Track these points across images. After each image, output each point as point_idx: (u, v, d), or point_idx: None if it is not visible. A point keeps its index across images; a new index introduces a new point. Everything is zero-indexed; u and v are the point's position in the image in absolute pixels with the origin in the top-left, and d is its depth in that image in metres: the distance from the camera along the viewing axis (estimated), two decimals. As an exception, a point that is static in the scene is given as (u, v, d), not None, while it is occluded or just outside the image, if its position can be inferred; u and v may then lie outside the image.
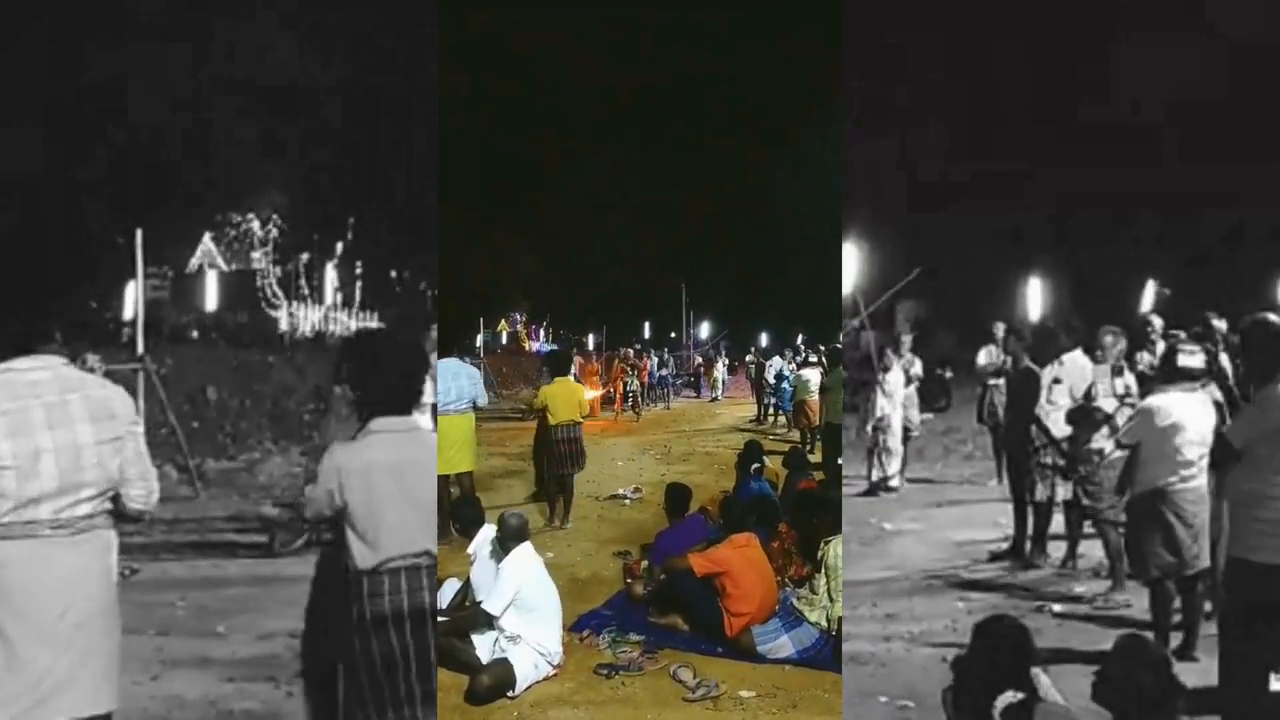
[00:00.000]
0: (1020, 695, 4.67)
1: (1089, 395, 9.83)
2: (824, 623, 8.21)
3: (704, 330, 61.13)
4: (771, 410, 27.90)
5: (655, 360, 36.02)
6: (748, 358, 37.47)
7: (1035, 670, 4.95)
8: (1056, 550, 10.94)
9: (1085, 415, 9.66)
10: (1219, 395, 8.62)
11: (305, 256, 32.64)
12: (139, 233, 13.84)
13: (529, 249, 48.98)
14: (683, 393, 41.73)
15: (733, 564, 8.45)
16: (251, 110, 29.38)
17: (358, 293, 34.20)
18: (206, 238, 31.68)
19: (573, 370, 29.91)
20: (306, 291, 32.72)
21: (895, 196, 28.22)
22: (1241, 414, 6.59)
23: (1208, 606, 8.38)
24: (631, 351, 33.45)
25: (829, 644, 8.04)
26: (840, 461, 14.67)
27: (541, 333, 48.16)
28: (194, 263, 31.46)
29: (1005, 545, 11.30)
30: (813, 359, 23.55)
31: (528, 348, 46.55)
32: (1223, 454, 6.21)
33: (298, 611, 5.08)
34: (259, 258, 32.28)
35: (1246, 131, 24.86)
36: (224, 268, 31.52)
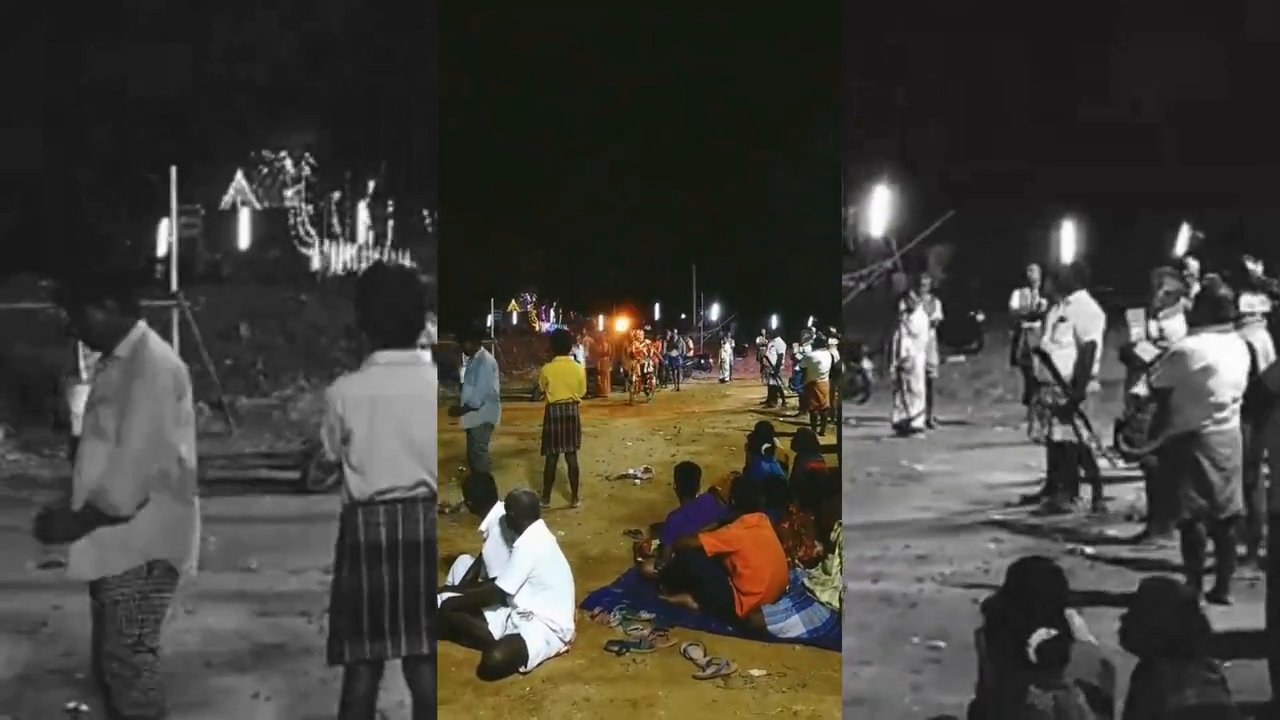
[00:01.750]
0: (1055, 632, 4.66)
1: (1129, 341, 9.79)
2: (835, 603, 8.18)
3: (714, 312, 61.04)
4: (787, 391, 27.88)
5: (666, 342, 36.04)
6: (758, 339, 37.40)
7: (1069, 611, 4.93)
8: (1089, 493, 10.92)
9: (1129, 358, 9.61)
10: (1259, 338, 8.54)
11: (337, 195, 32.64)
12: (173, 170, 13.87)
13: (529, 248, 48.95)
14: (692, 374, 41.72)
15: (744, 544, 8.42)
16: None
17: (389, 231, 34.21)
18: (239, 175, 31.66)
19: (582, 351, 30.10)
20: (339, 230, 32.74)
21: (928, 141, 28.12)
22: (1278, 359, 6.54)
23: (1241, 550, 8.38)
24: (643, 333, 33.43)
25: (839, 624, 8.03)
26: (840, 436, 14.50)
27: (552, 313, 48.11)
28: (227, 200, 31.46)
29: (1037, 488, 11.28)
30: (830, 341, 23.49)
31: (538, 328, 46.52)
32: (1259, 398, 6.15)
33: (328, 548, 5.08)
34: (291, 195, 32.29)
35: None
36: (256, 205, 31.52)
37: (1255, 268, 10.24)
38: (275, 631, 7.72)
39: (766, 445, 12.34)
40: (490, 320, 39.55)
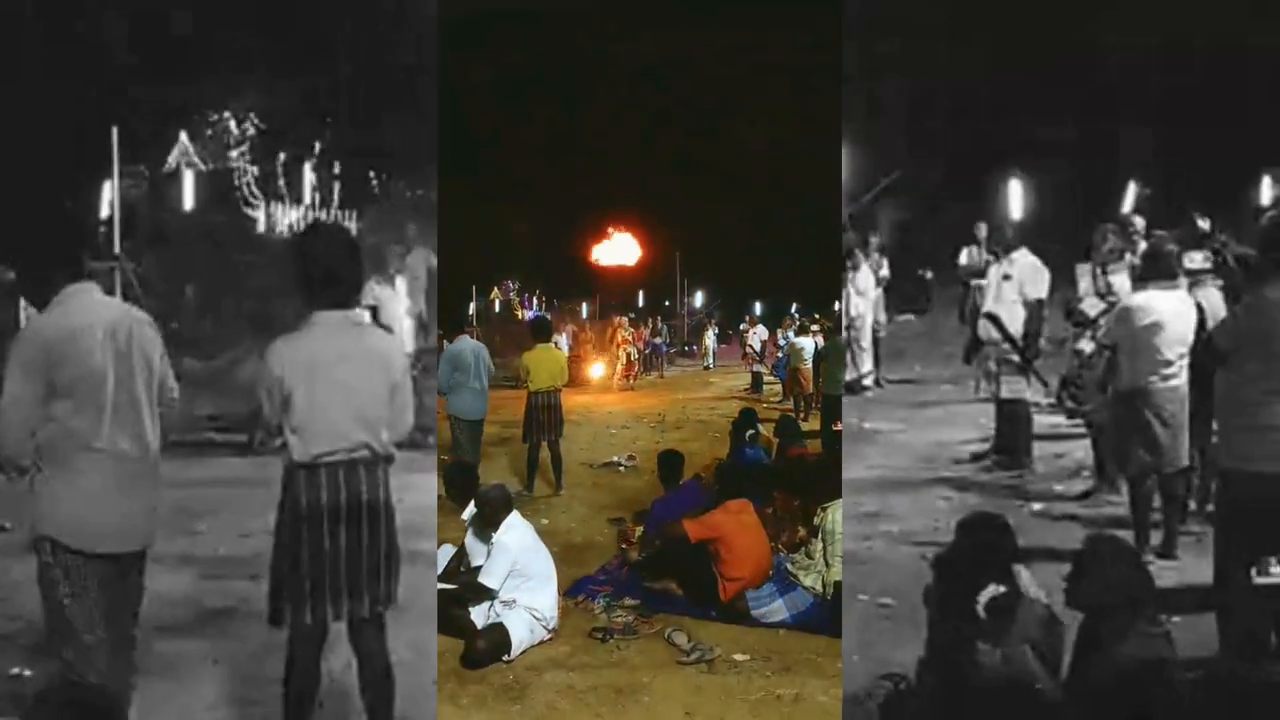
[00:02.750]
0: (1003, 589, 4.69)
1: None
2: (818, 587, 8.22)
3: (698, 299, 60.90)
4: (769, 376, 27.89)
5: (649, 329, 35.96)
6: (741, 326, 37.41)
7: (1017, 567, 4.96)
8: (1039, 450, 10.99)
9: (1074, 315, 9.66)
10: (1210, 297, 8.58)
11: (283, 156, 32.35)
12: (114, 130, 13.69)
13: (518, 218, 48.72)
14: (676, 361, 41.70)
15: (727, 529, 8.43)
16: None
17: (336, 193, 33.96)
18: (183, 136, 31.31)
19: (565, 338, 30.00)
20: (284, 191, 32.47)
21: (891, 109, 28.12)
22: (1230, 316, 6.56)
23: (1190, 506, 8.46)
24: (627, 319, 33.35)
25: (823, 608, 8.06)
26: (837, 428, 14.50)
27: (534, 301, 47.93)
28: (171, 161, 31.12)
29: (986, 445, 11.34)
30: (812, 327, 23.55)
31: (520, 316, 46.36)
32: (1209, 356, 6.18)
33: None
34: (236, 157, 31.97)
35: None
36: (201, 167, 31.21)
37: (1203, 224, 10.31)
38: (224, 595, 7.68)
39: (751, 431, 12.40)
40: (472, 308, 39.34)
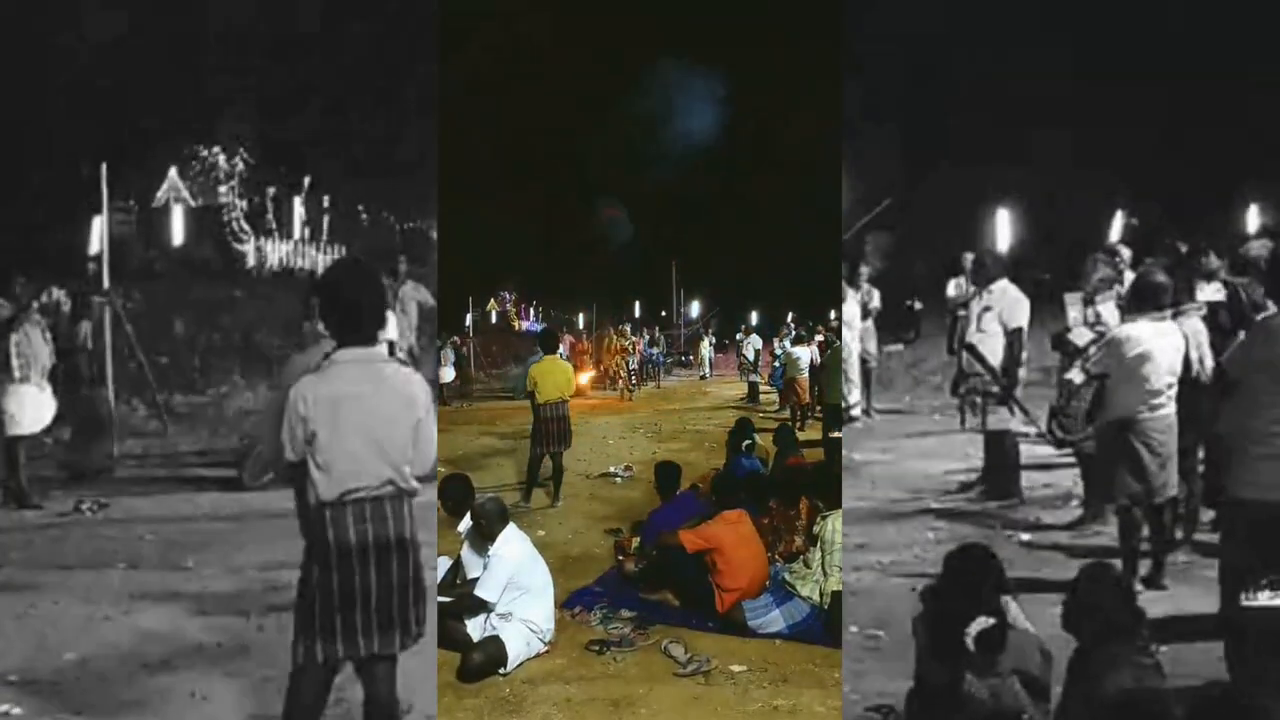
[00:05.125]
0: (992, 621, 4.69)
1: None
2: (815, 597, 8.21)
3: (694, 309, 60.93)
4: (765, 386, 27.87)
5: (646, 339, 35.91)
6: (738, 336, 37.47)
7: (1005, 598, 4.96)
8: (1027, 480, 10.99)
9: (1062, 344, 9.68)
10: (1192, 327, 8.61)
11: (272, 190, 32.34)
12: (103, 166, 13.71)
13: (515, 230, 48.82)
14: (674, 371, 41.67)
15: (723, 540, 8.44)
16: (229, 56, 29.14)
17: (325, 227, 33.96)
18: (172, 171, 31.32)
19: (562, 349, 30.02)
20: (274, 225, 32.45)
21: (896, 159, 28.23)
22: (1239, 344, 6.57)
23: (1177, 534, 8.47)
24: (627, 329, 33.31)
25: (820, 618, 8.05)
26: (835, 435, 14.51)
27: (531, 311, 47.91)
28: (160, 197, 31.14)
29: (974, 476, 11.34)
30: (816, 337, 23.55)
31: (518, 327, 46.31)
32: (1219, 385, 6.17)
33: (266, 545, 5.03)
34: (225, 191, 31.99)
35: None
36: (190, 202, 31.21)
37: (1182, 248, 10.34)
38: (212, 631, 7.64)
39: (747, 442, 12.40)
40: (469, 319, 39.34)
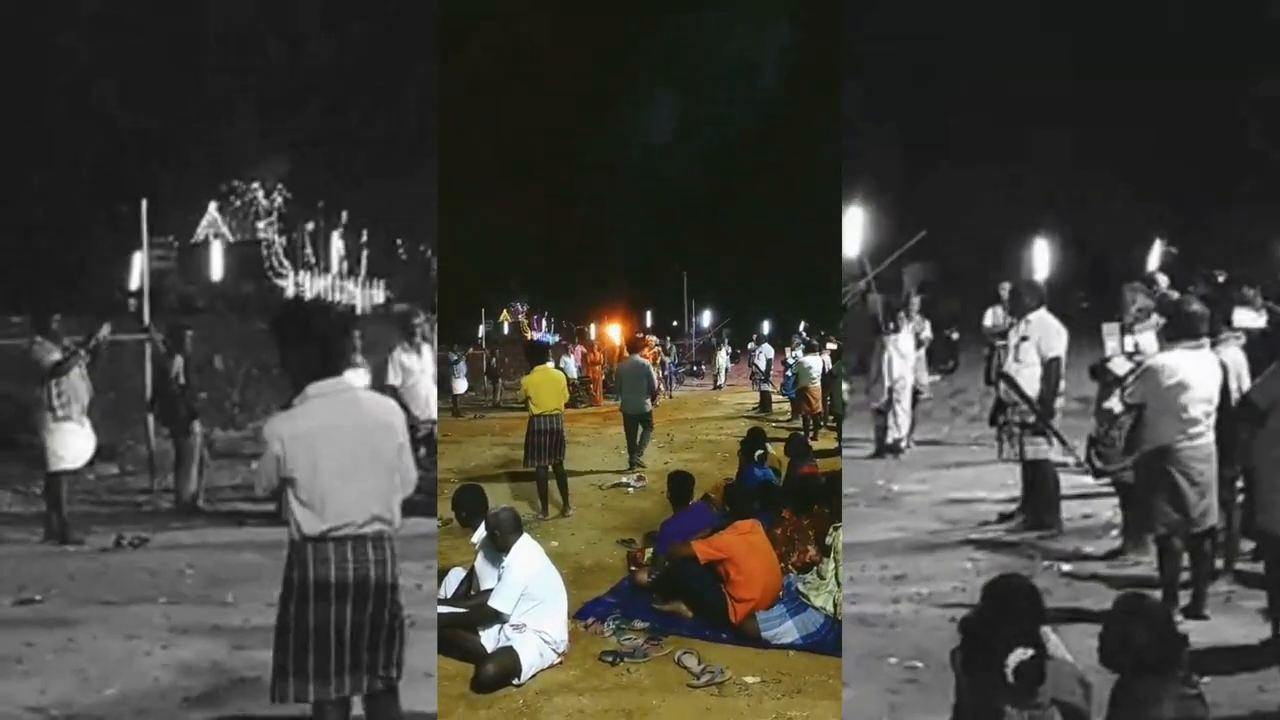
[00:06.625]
0: (1032, 653, 4.66)
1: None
2: (829, 608, 8.18)
3: (706, 319, 60.89)
4: (777, 395, 27.78)
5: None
6: (750, 345, 37.29)
7: (1045, 629, 4.93)
8: (1067, 510, 10.93)
9: (1099, 374, 9.64)
10: (1232, 356, 8.58)
11: (310, 225, 32.55)
12: (144, 203, 13.82)
13: (528, 237, 49.05)
14: (685, 381, 41.57)
15: (736, 550, 8.44)
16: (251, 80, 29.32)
17: (364, 261, 34.14)
18: (212, 207, 31.60)
19: (574, 360, 30.07)
20: (312, 260, 32.65)
21: (897, 161, 28.23)
22: (1268, 373, 6.54)
23: (1218, 564, 8.41)
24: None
25: (834, 629, 8.03)
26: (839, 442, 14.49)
27: (543, 322, 48.04)
28: (200, 233, 31.41)
29: (1013, 506, 11.28)
30: (829, 345, 23.50)
31: (530, 337, 46.62)
32: (1247, 414, 6.14)
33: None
34: (264, 227, 32.23)
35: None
36: (230, 238, 31.46)
37: (1220, 278, 10.30)
38: (252, 665, 7.67)
39: (760, 451, 12.39)
40: (482, 330, 39.49)
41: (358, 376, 5.27)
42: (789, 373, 24.82)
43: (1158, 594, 7.36)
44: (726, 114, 59.81)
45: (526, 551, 7.79)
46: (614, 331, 37.87)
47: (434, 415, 13.55)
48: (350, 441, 4.86)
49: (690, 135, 59.99)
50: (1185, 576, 8.05)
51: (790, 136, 54.22)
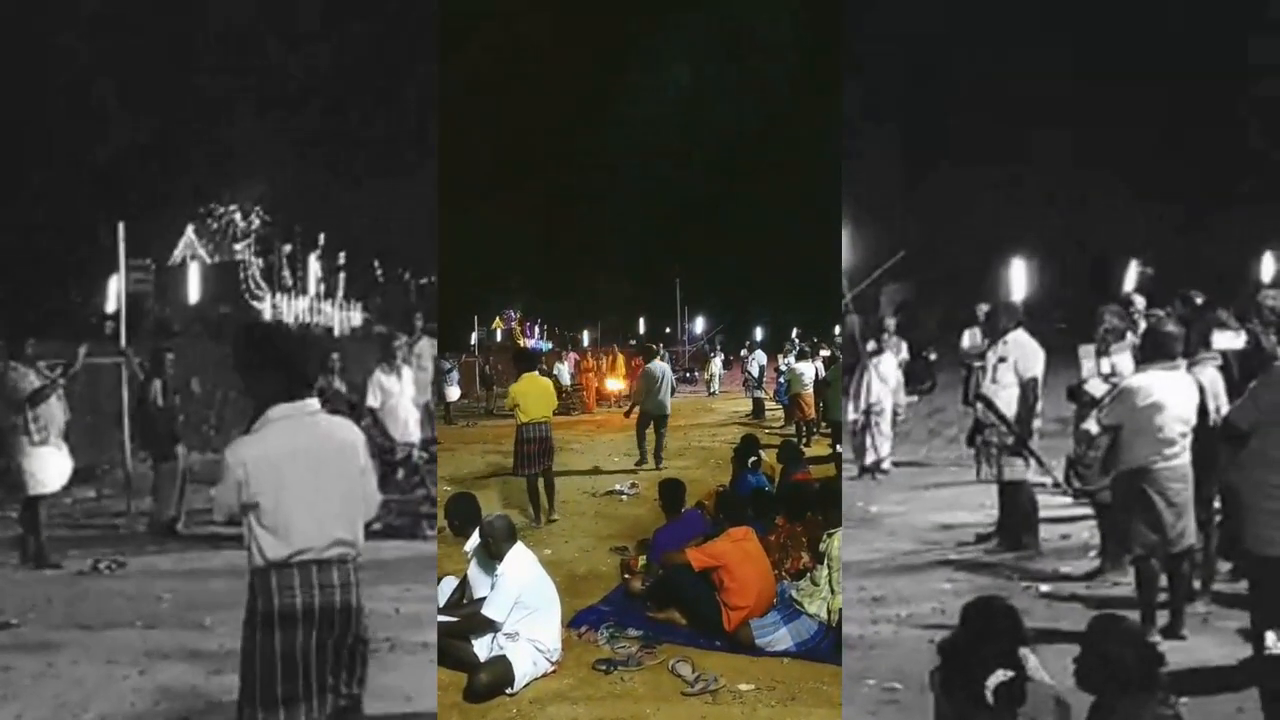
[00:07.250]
0: (1011, 674, 4.67)
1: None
2: (823, 614, 8.20)
3: (699, 325, 60.95)
4: (769, 402, 27.81)
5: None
6: (742, 352, 37.30)
7: (1023, 650, 4.95)
8: (1045, 531, 10.95)
9: (1076, 395, 9.67)
10: (1208, 376, 8.62)
11: (288, 248, 32.47)
12: (120, 226, 13.78)
13: (527, 237, 49.07)
14: (678, 388, 41.66)
15: (730, 558, 8.45)
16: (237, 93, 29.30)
17: (340, 284, 34.06)
18: (189, 230, 31.51)
19: (568, 366, 30.11)
20: (290, 283, 32.56)
21: (889, 179, 28.31)
22: (1248, 394, 6.57)
23: (1196, 584, 8.44)
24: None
25: (828, 636, 8.05)
26: (838, 449, 14.54)
27: (536, 330, 48.08)
28: (177, 255, 31.31)
29: (992, 527, 11.30)
30: (821, 352, 23.56)
31: (523, 344, 46.62)
32: (1229, 435, 6.16)
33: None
34: (241, 249, 32.15)
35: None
36: (207, 260, 31.37)
37: (1198, 299, 10.35)
38: (228, 690, 7.62)
39: (753, 458, 12.42)
40: (475, 337, 39.51)
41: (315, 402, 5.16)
42: (782, 379, 24.89)
43: (1135, 615, 7.39)
44: (726, 114, 59.80)
45: (520, 559, 7.80)
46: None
47: (415, 438, 13.52)
48: (313, 464, 4.80)
49: (690, 135, 60.19)
50: (1163, 597, 8.07)
51: (790, 136, 54.33)
